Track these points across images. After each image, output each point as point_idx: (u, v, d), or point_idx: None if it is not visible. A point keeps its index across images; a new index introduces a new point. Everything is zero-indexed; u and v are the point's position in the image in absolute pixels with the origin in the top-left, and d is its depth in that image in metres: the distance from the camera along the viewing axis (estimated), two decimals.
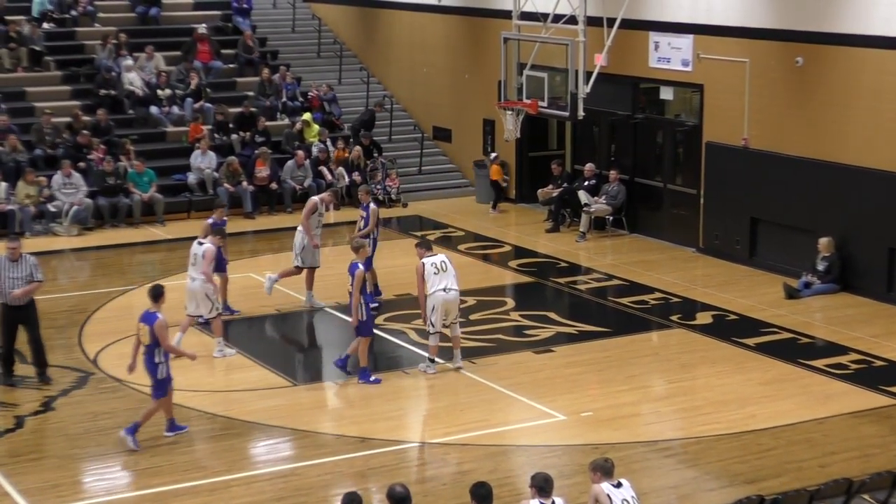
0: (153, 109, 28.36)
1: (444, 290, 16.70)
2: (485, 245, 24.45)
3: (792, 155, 21.64)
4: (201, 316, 17.68)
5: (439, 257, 17.06)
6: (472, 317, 19.29)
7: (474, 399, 16.11)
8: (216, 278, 18.10)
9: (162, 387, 14.54)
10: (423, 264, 16.85)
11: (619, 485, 10.57)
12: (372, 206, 20.15)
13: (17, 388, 16.48)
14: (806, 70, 21.26)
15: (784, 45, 21.57)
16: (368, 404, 15.99)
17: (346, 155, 28.11)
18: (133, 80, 28.52)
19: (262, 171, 27.00)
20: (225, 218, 19.56)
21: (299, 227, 19.73)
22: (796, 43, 21.32)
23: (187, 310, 17.70)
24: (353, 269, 16.56)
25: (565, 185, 25.80)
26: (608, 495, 10.47)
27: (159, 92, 28.59)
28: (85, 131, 26.52)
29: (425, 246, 17.21)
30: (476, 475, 13.11)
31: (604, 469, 10.63)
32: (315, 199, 19.94)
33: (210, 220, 18.85)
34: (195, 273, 17.49)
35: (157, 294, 14.67)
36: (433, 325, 16.82)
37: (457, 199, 28.68)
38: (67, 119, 26.96)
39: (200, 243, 17.61)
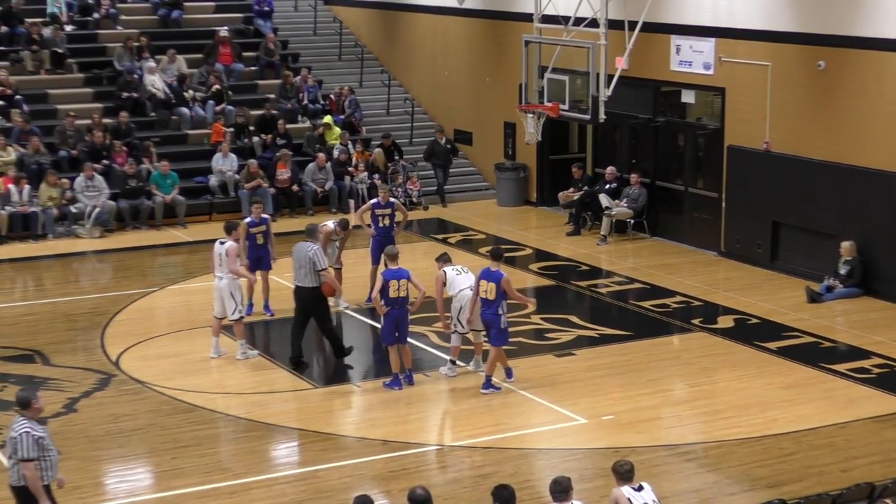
0: (183, 111, 28.44)
1: (471, 288, 16.73)
2: (506, 248, 24.33)
3: (814, 158, 21.56)
4: (226, 316, 17.70)
5: (458, 266, 17.29)
6: None
7: (495, 402, 16.10)
8: (257, 276, 19.10)
9: (503, 336, 16.15)
10: (445, 272, 16.93)
11: (640, 488, 10.56)
12: (394, 200, 20.63)
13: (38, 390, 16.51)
14: (828, 74, 21.18)
15: (806, 48, 21.50)
16: (389, 407, 15.99)
17: (368, 157, 28.16)
18: (155, 82, 28.59)
19: (284, 174, 27.04)
20: (265, 216, 19.69)
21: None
22: (818, 46, 21.25)
23: (214, 311, 17.73)
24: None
25: (586, 188, 25.76)
26: (629, 499, 10.46)
27: (187, 94, 28.63)
28: (99, 133, 26.54)
29: (444, 259, 17.32)
30: (497, 478, 13.12)
31: (622, 472, 10.62)
32: (330, 226, 19.84)
33: (247, 220, 19.39)
34: (221, 272, 17.56)
35: (498, 254, 16.43)
36: (461, 325, 16.85)
37: (478, 202, 28.67)
38: (89, 121, 27.04)
39: (222, 242, 17.66)
